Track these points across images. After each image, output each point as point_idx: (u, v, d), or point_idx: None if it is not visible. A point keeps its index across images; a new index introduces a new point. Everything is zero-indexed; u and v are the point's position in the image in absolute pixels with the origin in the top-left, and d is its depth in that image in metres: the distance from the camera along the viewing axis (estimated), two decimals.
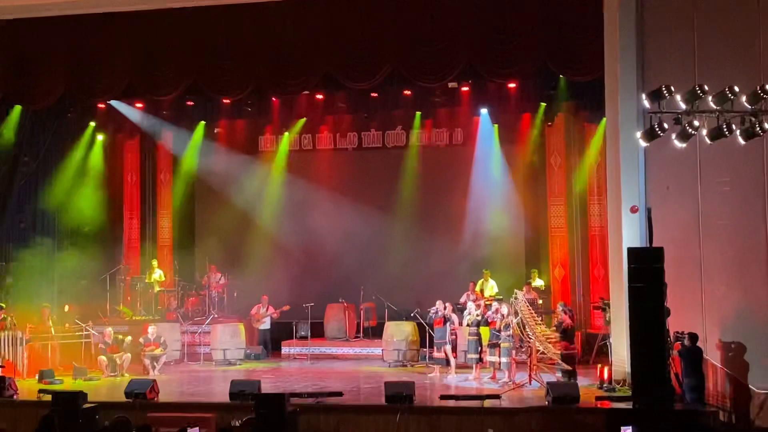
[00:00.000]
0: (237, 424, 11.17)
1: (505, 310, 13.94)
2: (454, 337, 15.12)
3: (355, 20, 14.65)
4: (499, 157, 18.47)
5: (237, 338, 17.16)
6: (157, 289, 18.98)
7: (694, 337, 11.90)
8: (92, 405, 11.52)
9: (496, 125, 18.57)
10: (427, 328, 16.11)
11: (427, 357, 16.13)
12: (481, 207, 18.19)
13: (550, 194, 18.26)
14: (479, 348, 14.42)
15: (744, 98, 10.37)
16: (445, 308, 15.02)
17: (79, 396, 11.48)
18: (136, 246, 20.09)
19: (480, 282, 17.18)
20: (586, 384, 13.11)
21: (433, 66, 14.59)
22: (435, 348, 15.09)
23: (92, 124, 18.61)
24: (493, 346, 14.08)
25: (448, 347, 14.88)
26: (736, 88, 10.29)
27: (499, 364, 13.97)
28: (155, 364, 15.39)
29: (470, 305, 15.08)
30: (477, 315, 14.58)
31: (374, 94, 17.33)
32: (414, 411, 11.67)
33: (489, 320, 14.41)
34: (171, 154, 19.95)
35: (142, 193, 20.33)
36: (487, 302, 15.81)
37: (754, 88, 10.33)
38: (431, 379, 14.53)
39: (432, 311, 15.18)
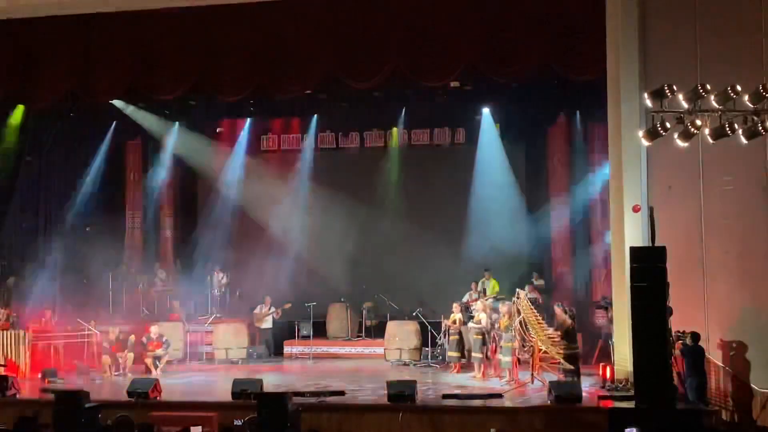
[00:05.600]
0: (239, 423, 11.18)
1: (505, 308, 13.94)
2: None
3: (357, 19, 14.63)
4: (501, 156, 18.47)
5: (239, 337, 17.20)
6: (159, 288, 18.99)
7: (695, 336, 11.90)
8: (95, 404, 11.52)
9: (498, 124, 18.56)
10: (429, 327, 16.15)
11: (429, 356, 16.16)
12: (483, 206, 18.18)
13: (552, 193, 18.24)
14: (483, 347, 14.43)
15: (746, 97, 10.35)
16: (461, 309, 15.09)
17: (81, 395, 11.48)
18: (138, 245, 20.09)
19: (481, 281, 17.18)
20: (588, 383, 13.11)
21: (434, 65, 14.57)
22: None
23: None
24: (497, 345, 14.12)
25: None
26: (739, 88, 10.27)
27: (500, 362, 13.99)
28: (158, 363, 15.41)
29: (478, 305, 15.06)
30: (480, 314, 14.59)
31: (376, 93, 17.33)
32: (416, 410, 11.68)
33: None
34: (173, 153, 19.94)
35: (144, 193, 20.34)
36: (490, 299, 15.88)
37: (757, 87, 10.31)
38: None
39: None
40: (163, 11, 14.97)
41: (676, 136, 10.74)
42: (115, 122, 18.94)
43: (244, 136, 19.82)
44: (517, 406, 11.92)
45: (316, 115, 19.40)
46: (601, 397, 12.03)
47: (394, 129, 19.54)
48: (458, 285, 17.07)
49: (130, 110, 18.38)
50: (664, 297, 10.94)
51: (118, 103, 17.80)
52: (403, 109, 18.92)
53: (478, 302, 15.26)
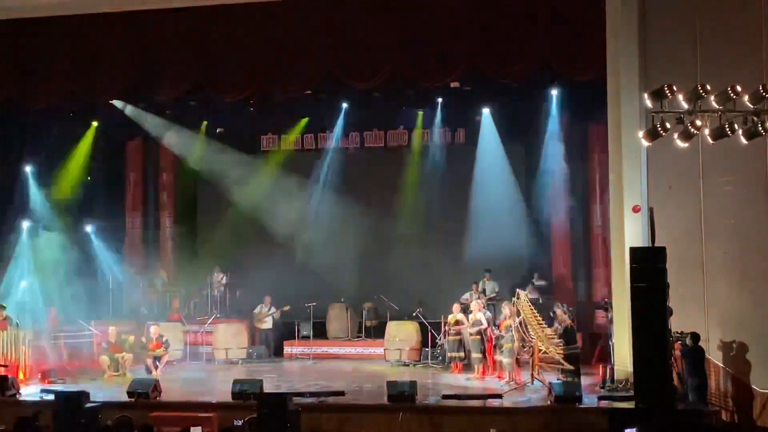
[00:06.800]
0: (239, 423, 11.18)
1: (507, 310, 13.94)
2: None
3: (357, 20, 14.63)
4: (501, 157, 18.45)
5: (239, 337, 17.20)
6: (159, 289, 18.98)
7: (696, 336, 11.90)
8: (95, 404, 11.54)
9: (498, 124, 18.54)
10: (429, 327, 16.15)
11: (429, 356, 16.16)
12: (483, 206, 18.17)
13: (552, 193, 18.23)
14: (482, 348, 14.43)
15: (746, 98, 10.34)
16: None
17: (81, 395, 11.48)
18: (138, 245, 20.10)
19: (482, 282, 17.19)
20: (588, 384, 13.11)
21: (434, 66, 14.58)
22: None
23: (94, 124, 18.66)
24: (496, 345, 14.12)
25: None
26: (739, 88, 10.26)
27: (500, 363, 13.99)
28: (158, 363, 15.41)
29: (474, 305, 15.08)
30: (477, 314, 14.60)
31: (376, 94, 17.31)
32: (416, 410, 11.68)
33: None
34: (173, 154, 19.95)
35: (144, 194, 20.34)
36: (488, 302, 15.90)
37: (757, 87, 10.30)
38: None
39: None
40: (163, 11, 14.96)
41: (676, 136, 10.72)
42: (115, 122, 18.93)
43: (244, 135, 19.83)
44: (517, 406, 11.92)
45: (317, 114, 19.38)
46: (601, 398, 12.03)
47: (394, 129, 19.56)
48: (458, 285, 17.08)
49: (130, 110, 18.38)
50: (664, 297, 10.93)
51: (118, 103, 17.80)
52: (403, 110, 18.89)
53: (473, 302, 15.26)
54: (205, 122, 19.47)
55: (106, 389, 13.73)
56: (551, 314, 14.38)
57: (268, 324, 17.69)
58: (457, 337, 15.08)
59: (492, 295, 16.87)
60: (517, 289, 14.27)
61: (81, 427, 10.96)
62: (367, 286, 18.49)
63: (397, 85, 16.12)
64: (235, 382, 12.50)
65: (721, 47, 12.58)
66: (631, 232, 12.96)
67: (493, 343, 14.24)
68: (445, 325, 15.45)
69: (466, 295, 16.52)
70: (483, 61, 14.43)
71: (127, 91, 16.15)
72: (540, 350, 13.39)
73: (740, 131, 10.50)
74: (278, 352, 17.75)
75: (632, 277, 11.06)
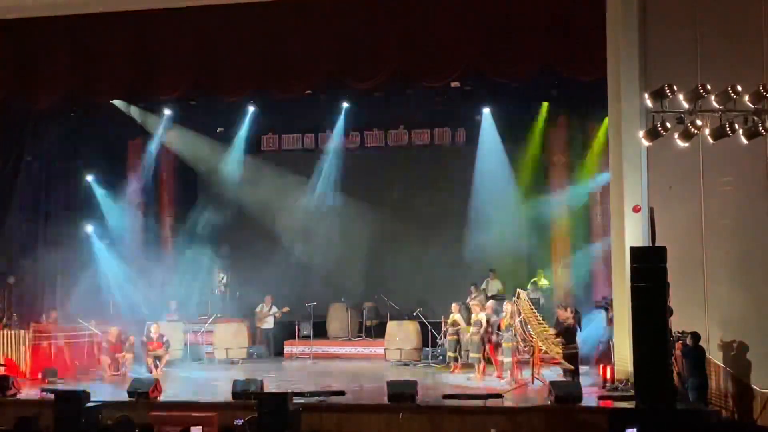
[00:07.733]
0: (239, 423, 11.18)
1: (507, 309, 13.94)
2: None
3: (358, 20, 14.63)
4: (501, 157, 18.45)
5: (239, 337, 17.20)
6: (160, 288, 18.94)
7: (696, 336, 11.90)
8: (95, 404, 11.53)
9: (498, 124, 18.54)
10: (429, 327, 16.16)
11: (429, 356, 16.17)
12: (484, 206, 18.17)
13: (552, 193, 18.23)
14: (482, 347, 14.43)
15: (747, 97, 10.35)
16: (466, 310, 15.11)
17: (81, 395, 11.48)
18: (139, 245, 20.04)
19: (485, 281, 17.19)
20: (588, 383, 13.11)
21: (435, 66, 14.56)
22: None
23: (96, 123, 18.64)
24: (497, 345, 14.12)
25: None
26: (739, 88, 10.28)
27: (502, 363, 13.99)
28: (158, 363, 15.42)
29: (473, 305, 15.08)
30: (479, 314, 14.60)
31: (377, 94, 17.31)
32: (416, 410, 11.68)
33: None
34: (174, 154, 19.94)
35: (144, 192, 20.32)
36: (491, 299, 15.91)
37: (757, 87, 10.31)
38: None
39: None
40: (162, 11, 14.95)
41: (676, 136, 10.73)
42: (115, 122, 18.92)
43: (244, 135, 19.81)
44: (517, 406, 11.93)
45: (317, 115, 19.37)
46: (601, 397, 12.03)
47: (394, 129, 19.55)
48: (458, 285, 17.10)
49: (130, 110, 18.38)
50: (665, 297, 10.94)
51: (118, 103, 17.80)
52: (403, 109, 18.89)
53: (473, 303, 15.25)
54: (205, 122, 19.47)
55: (106, 389, 13.75)
56: (555, 311, 14.39)
57: (269, 324, 17.70)
58: (455, 337, 15.08)
59: (494, 293, 16.87)
60: (518, 289, 14.28)
61: (81, 427, 10.95)
62: (367, 286, 18.51)
63: (397, 85, 16.09)
64: (236, 381, 12.50)
65: (721, 47, 12.57)
66: (631, 232, 12.95)
67: (494, 343, 14.25)
68: (445, 325, 15.45)
69: (469, 297, 16.49)
70: (483, 61, 14.42)
71: (127, 91, 16.13)
72: (540, 350, 13.40)
73: (740, 131, 10.51)
74: (278, 352, 17.75)
75: (632, 277, 11.06)
